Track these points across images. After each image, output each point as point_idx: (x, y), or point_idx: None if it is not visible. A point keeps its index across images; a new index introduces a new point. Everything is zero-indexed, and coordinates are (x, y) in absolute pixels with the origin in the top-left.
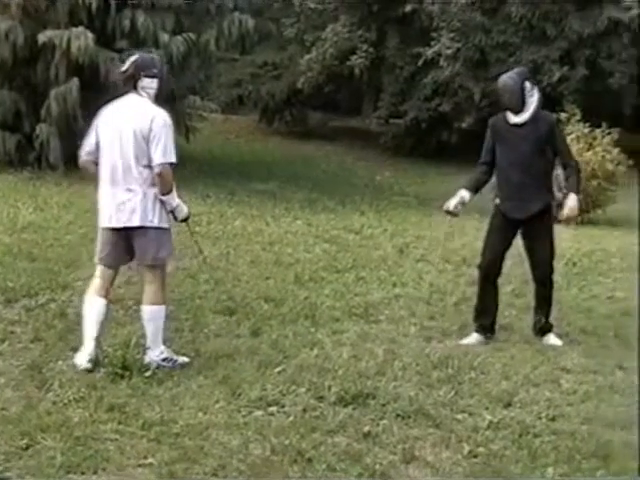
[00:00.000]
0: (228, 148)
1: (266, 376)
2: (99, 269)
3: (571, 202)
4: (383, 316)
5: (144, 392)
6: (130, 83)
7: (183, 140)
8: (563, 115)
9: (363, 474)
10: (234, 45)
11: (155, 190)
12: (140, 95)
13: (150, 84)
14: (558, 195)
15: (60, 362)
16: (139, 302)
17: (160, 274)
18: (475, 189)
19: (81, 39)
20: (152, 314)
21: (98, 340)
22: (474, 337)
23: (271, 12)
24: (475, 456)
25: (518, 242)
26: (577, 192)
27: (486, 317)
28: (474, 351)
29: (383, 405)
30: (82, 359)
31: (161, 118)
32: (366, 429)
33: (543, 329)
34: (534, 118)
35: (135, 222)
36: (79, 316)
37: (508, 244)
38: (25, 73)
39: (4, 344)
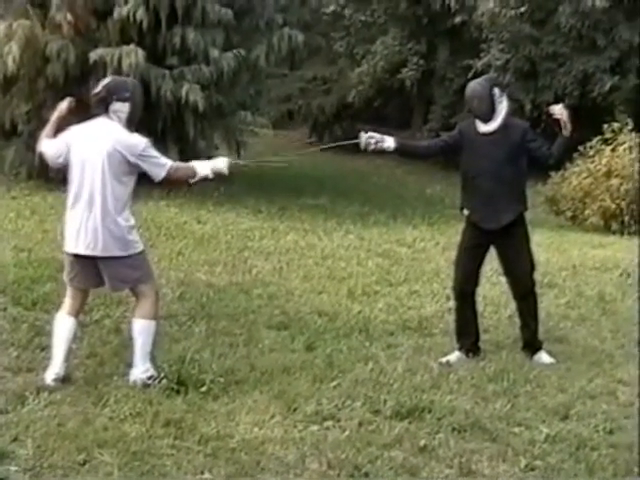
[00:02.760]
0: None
1: (321, 390)
2: (69, 290)
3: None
4: (437, 329)
5: (200, 407)
6: (102, 106)
7: (234, 155)
8: (615, 125)
9: None
10: (284, 60)
11: (121, 218)
12: (111, 119)
13: (122, 108)
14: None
15: (115, 378)
16: (193, 318)
17: (149, 289)
18: (402, 145)
19: (132, 57)
20: (143, 328)
21: (66, 358)
22: (455, 355)
23: (320, 27)
24: (532, 469)
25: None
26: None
27: (466, 338)
28: (530, 364)
29: (439, 419)
30: (49, 376)
31: (137, 139)
32: (422, 443)
33: (533, 347)
34: (504, 126)
35: (98, 251)
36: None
37: (481, 260)
38: (77, 91)
39: None
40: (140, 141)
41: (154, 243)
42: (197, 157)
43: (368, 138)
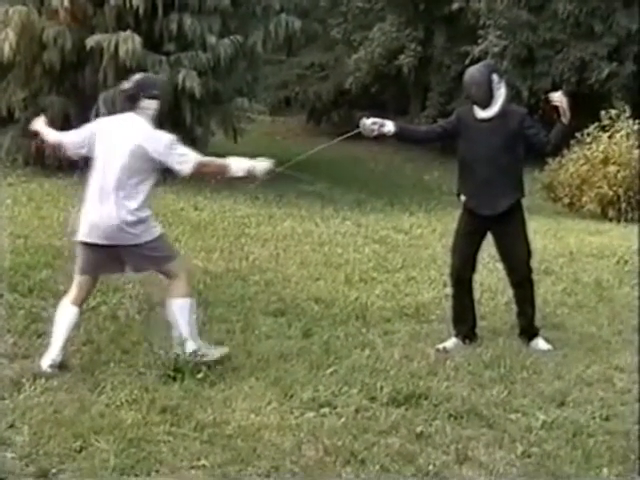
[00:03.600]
0: (276, 150)
1: (318, 377)
2: (77, 278)
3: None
4: (434, 316)
5: (196, 394)
6: (130, 102)
7: (231, 142)
8: (612, 112)
9: (416, 475)
10: (281, 47)
11: (140, 211)
12: (139, 115)
13: (150, 105)
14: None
15: (112, 364)
16: None
17: (177, 267)
18: (401, 130)
19: (129, 43)
20: (182, 307)
21: (64, 346)
22: (452, 341)
23: (317, 13)
24: (529, 456)
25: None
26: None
27: (463, 324)
28: (526, 350)
29: (436, 405)
30: (45, 363)
31: (163, 136)
32: (419, 429)
33: (530, 334)
34: (502, 112)
35: (114, 242)
36: (130, 318)
37: (478, 246)
38: (73, 78)
39: None
40: (166, 138)
41: None
42: (194, 144)
43: (372, 124)
